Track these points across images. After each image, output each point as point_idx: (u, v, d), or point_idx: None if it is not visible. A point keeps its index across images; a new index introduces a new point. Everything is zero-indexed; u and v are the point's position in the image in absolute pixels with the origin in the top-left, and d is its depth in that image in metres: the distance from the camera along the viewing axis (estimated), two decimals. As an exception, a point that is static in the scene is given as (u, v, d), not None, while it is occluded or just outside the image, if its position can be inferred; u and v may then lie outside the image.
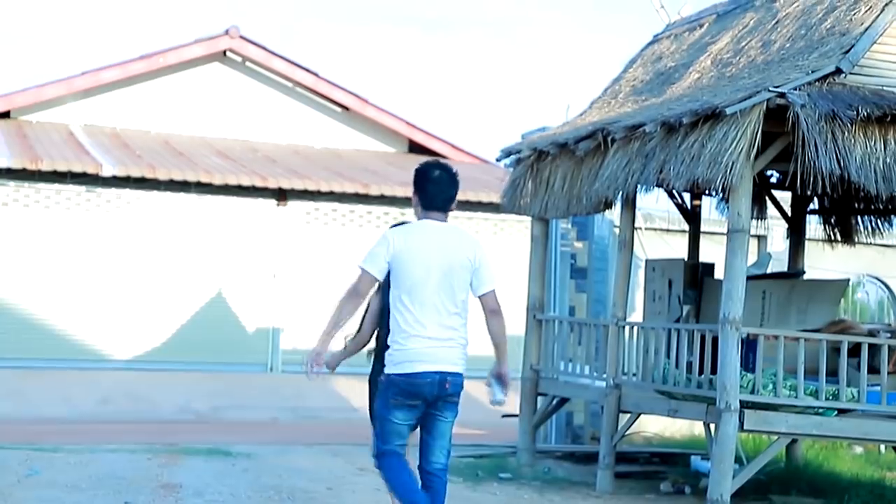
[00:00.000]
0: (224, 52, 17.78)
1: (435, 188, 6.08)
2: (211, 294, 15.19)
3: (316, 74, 18.01)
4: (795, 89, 7.81)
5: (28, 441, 10.57)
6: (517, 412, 11.09)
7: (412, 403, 5.81)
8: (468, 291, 5.96)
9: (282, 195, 15.42)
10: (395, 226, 6.61)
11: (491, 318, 5.98)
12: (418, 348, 5.77)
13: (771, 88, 7.79)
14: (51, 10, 43.43)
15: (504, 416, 13.01)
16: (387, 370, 5.88)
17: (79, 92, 17.09)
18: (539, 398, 10.92)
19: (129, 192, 14.83)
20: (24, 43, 42.70)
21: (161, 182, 14.75)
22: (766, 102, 7.79)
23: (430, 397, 5.79)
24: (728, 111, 7.81)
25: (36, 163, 14.12)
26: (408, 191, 16.07)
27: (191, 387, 14.54)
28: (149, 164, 14.88)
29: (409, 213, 15.58)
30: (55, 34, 43.52)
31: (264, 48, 17.77)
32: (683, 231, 12.26)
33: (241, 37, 17.55)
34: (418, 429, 6.02)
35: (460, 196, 16.25)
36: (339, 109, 18.34)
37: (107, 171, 14.41)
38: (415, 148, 18.68)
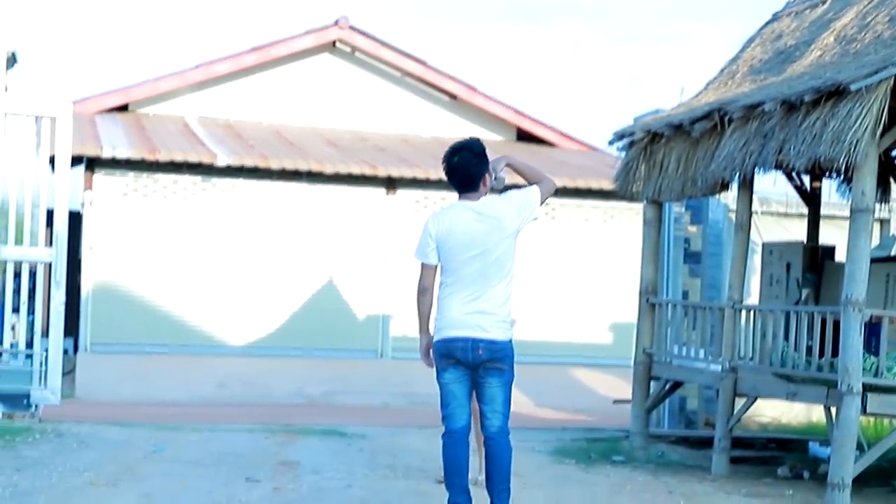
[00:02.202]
0: (333, 43, 17.96)
1: (452, 173, 6.45)
2: (322, 282, 15.37)
3: (424, 63, 18.09)
4: (925, 63, 7.60)
5: (152, 421, 10.87)
6: (629, 397, 11.04)
7: (451, 362, 6.30)
8: (512, 256, 6.38)
9: (391, 184, 15.53)
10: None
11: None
12: (452, 317, 6.28)
13: (898, 63, 7.60)
14: (166, 6, 44.43)
15: (615, 401, 12.99)
16: (433, 339, 6.41)
17: (193, 84, 17.43)
18: (652, 382, 10.84)
19: (242, 181, 15.08)
20: (141, 38, 43.76)
21: (273, 171, 14.98)
22: (893, 78, 7.61)
23: (466, 361, 6.28)
24: (853, 87, 7.64)
25: (154, 154, 14.45)
26: (514, 178, 16.12)
27: (303, 372, 14.75)
28: (261, 153, 15.12)
29: (518, 201, 15.57)
30: (170, 29, 44.51)
31: (373, 38, 17.92)
32: (801, 215, 12.07)
33: (351, 27, 17.71)
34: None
35: (569, 183, 16.31)
36: (446, 98, 18.41)
37: (221, 161, 14.68)
38: (523, 136, 18.66)
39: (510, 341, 6.40)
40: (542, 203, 6.50)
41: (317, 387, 14.67)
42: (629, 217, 15.84)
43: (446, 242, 6.32)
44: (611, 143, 10.99)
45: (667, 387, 10.85)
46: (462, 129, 18.34)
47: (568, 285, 15.79)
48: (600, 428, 11.83)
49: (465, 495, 6.35)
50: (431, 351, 6.41)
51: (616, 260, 15.76)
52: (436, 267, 6.41)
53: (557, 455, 9.93)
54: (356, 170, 15.13)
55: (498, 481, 6.38)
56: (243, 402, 13.71)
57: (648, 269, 10.86)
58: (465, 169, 6.40)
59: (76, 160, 13.48)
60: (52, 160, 10.91)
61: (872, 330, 8.38)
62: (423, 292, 6.42)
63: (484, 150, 6.47)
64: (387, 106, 18.20)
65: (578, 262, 15.86)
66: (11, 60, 10.75)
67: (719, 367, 9.63)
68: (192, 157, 14.62)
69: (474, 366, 6.30)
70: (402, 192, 15.58)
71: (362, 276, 15.40)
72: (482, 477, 6.92)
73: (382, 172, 15.22)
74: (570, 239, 15.92)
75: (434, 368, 6.45)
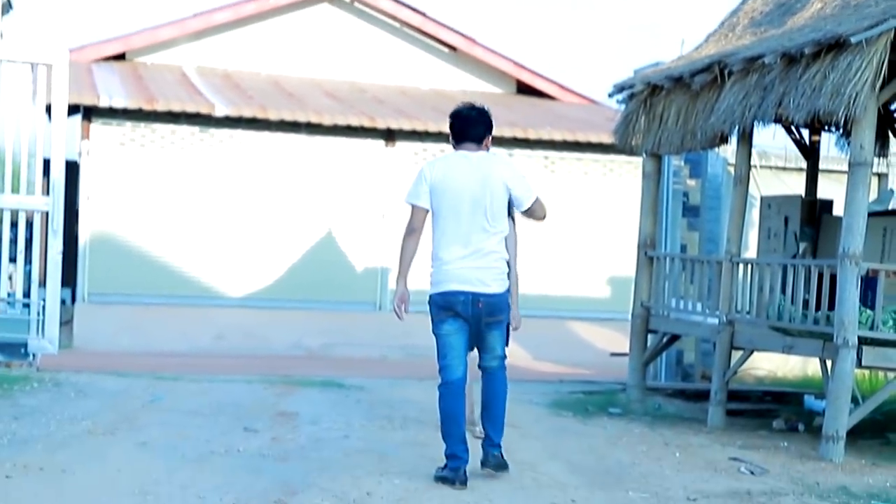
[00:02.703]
0: (333, -7, 17.85)
1: (464, 124, 6.55)
2: (320, 234, 15.37)
3: (423, 14, 17.98)
4: (925, 16, 7.55)
5: (150, 371, 10.90)
6: (626, 351, 11.07)
7: (450, 314, 6.38)
8: (504, 212, 6.49)
9: (390, 136, 15.48)
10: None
11: (537, 214, 6.66)
12: (451, 270, 6.35)
13: (899, 15, 7.56)
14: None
15: (613, 354, 13.04)
16: (429, 291, 6.45)
17: (191, 34, 17.35)
18: (649, 336, 10.86)
19: (240, 132, 15.02)
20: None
21: (272, 122, 14.92)
22: (893, 31, 7.57)
23: (466, 315, 6.37)
24: (853, 40, 7.60)
25: (151, 103, 14.39)
26: (515, 131, 16.06)
27: (301, 325, 14.78)
28: (260, 104, 15.06)
29: (516, 153, 15.56)
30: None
31: (372, -12, 17.80)
32: (800, 169, 12.05)
33: (350, -23, 17.59)
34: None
35: (568, 137, 16.29)
36: (446, 50, 18.31)
37: (219, 112, 14.62)
38: (522, 89, 18.58)
39: (506, 292, 6.54)
40: (530, 208, 6.58)
41: (315, 339, 14.71)
42: (628, 171, 15.81)
43: (439, 189, 6.38)
44: (610, 95, 10.93)
45: (664, 340, 10.86)
46: (461, 82, 18.30)
47: (566, 239, 15.79)
48: (597, 381, 11.88)
49: (462, 445, 6.42)
50: (405, 305, 6.49)
51: (614, 213, 15.75)
52: (426, 212, 6.46)
53: (555, 407, 9.97)
54: (355, 121, 15.08)
55: (494, 411, 6.59)
56: (242, 353, 13.75)
57: (647, 223, 10.84)
58: (476, 123, 6.53)
59: (73, 109, 13.43)
60: (48, 108, 10.86)
61: (869, 283, 8.39)
62: (411, 233, 6.47)
63: (491, 120, 6.64)
64: (385, 57, 18.11)
65: (577, 216, 15.85)
66: (7, 6, 10.68)
67: (716, 321, 9.64)
68: (190, 108, 14.56)
69: (474, 318, 6.39)
70: (400, 145, 15.53)
71: (361, 229, 15.39)
72: (479, 429, 7.01)
73: (381, 124, 15.17)
74: (568, 192, 15.90)
75: (402, 319, 6.57)
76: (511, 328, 6.85)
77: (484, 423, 6.64)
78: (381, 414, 9.00)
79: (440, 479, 6.38)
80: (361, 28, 18.07)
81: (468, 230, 6.35)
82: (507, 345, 6.75)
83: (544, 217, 6.65)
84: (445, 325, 6.42)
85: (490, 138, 6.59)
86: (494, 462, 6.54)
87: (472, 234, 6.35)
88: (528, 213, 6.62)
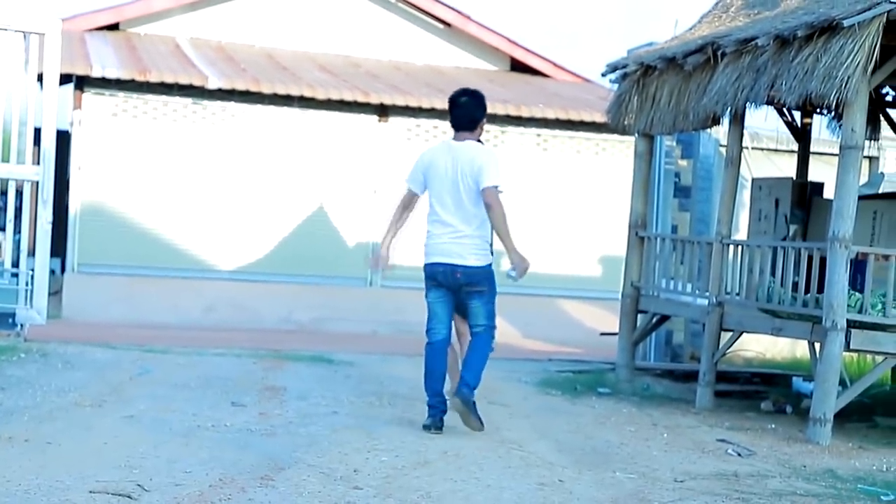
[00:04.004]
0: (327, -34, 17.75)
1: (459, 111, 7.31)
2: (312, 208, 15.34)
3: (418, -10, 17.90)
4: (919, 0, 7.55)
5: (139, 343, 10.90)
6: (616, 330, 11.08)
7: (435, 284, 7.23)
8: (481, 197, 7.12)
9: (383, 111, 15.43)
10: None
11: (488, 210, 7.10)
12: (434, 244, 7.19)
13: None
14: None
15: (602, 334, 13.07)
16: (424, 262, 7.32)
17: (185, 5, 17.23)
18: (639, 316, 10.88)
19: (233, 104, 14.96)
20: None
21: (265, 96, 14.86)
22: (885, 15, 7.57)
23: (447, 284, 7.17)
24: (846, 23, 7.59)
25: (144, 74, 14.31)
26: (508, 108, 16.04)
27: (292, 298, 14.78)
28: (253, 77, 14.99)
29: (509, 131, 15.55)
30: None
31: (367, -38, 17.70)
32: (791, 151, 12.05)
33: (345, -49, 17.49)
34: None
35: (561, 115, 16.27)
36: (440, 26, 18.24)
37: (212, 84, 14.55)
38: (516, 66, 18.52)
39: (488, 265, 7.21)
40: (486, 189, 7.03)
41: (305, 313, 14.71)
42: (620, 150, 15.79)
43: (428, 176, 7.21)
44: (603, 74, 10.92)
45: (653, 320, 10.88)
46: (455, 58, 18.24)
47: (557, 217, 15.79)
48: (587, 360, 11.91)
49: (439, 398, 7.25)
50: (380, 263, 7.56)
51: (606, 193, 15.75)
52: (415, 195, 7.34)
53: (544, 386, 9.99)
54: (348, 96, 15.01)
55: (471, 360, 7.18)
56: (231, 326, 13.76)
57: (638, 202, 10.85)
58: (468, 110, 7.27)
59: (65, 79, 13.35)
60: (40, 77, 10.81)
61: (858, 267, 8.41)
62: (400, 207, 7.44)
63: (485, 103, 7.41)
64: (380, 32, 18.03)
65: (569, 194, 15.84)
66: (-1, -24, 10.60)
67: (706, 302, 9.66)
68: (183, 79, 14.49)
69: (455, 288, 7.18)
70: (394, 120, 15.48)
71: (353, 204, 15.36)
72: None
73: (375, 100, 15.11)
74: (560, 171, 15.88)
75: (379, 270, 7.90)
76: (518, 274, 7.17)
77: (462, 371, 7.22)
78: (370, 390, 9.01)
79: (425, 427, 7.22)
80: (356, 2, 17.98)
81: (451, 213, 7.10)
82: (494, 316, 7.28)
83: (491, 206, 7.01)
84: (431, 293, 7.28)
85: (484, 121, 7.34)
86: (462, 396, 7.06)
87: (454, 216, 7.10)
88: (483, 193, 7.04)
